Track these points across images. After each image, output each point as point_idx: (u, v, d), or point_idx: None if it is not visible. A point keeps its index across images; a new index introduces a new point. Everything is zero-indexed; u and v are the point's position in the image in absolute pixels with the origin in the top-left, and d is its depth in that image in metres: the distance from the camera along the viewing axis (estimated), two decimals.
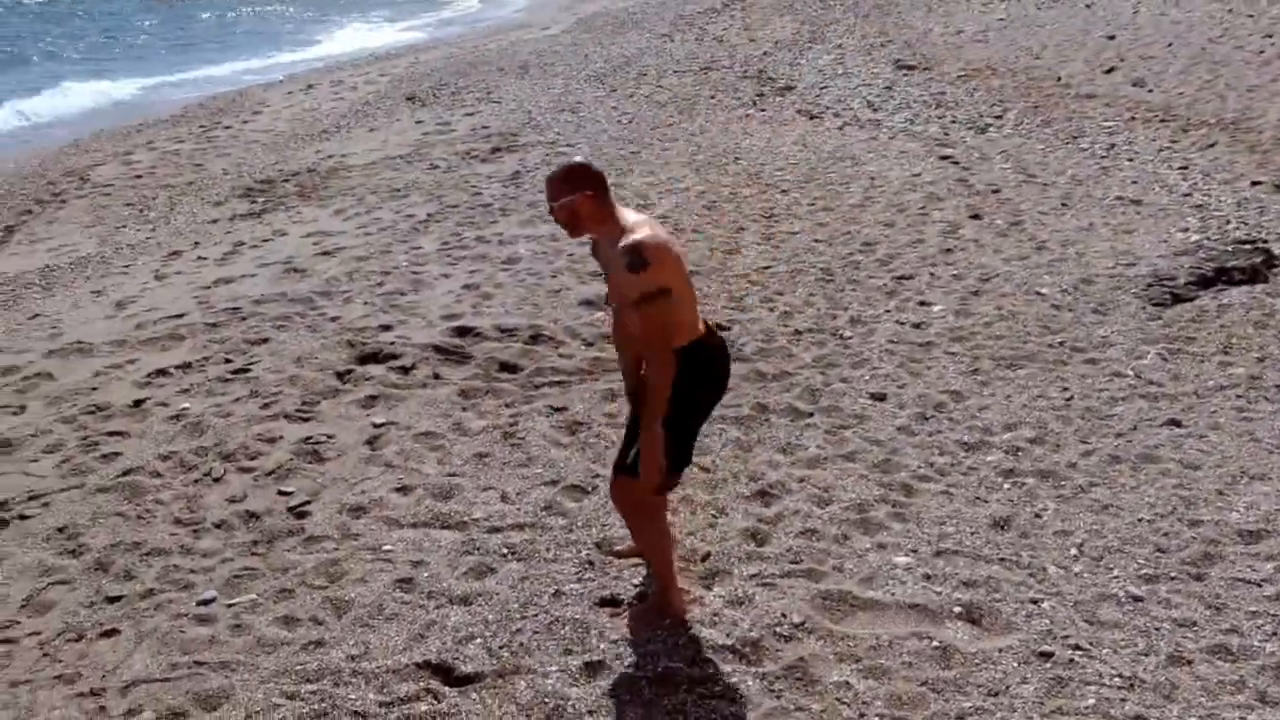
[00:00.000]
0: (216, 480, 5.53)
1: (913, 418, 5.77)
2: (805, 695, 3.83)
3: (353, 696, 3.95)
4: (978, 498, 5.04)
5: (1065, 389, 6.05)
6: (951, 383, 6.19)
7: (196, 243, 10.71)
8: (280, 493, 5.37)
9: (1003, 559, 4.57)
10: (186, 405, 6.37)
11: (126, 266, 10.17)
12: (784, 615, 4.21)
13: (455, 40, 26.07)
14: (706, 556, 4.65)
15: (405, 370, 6.67)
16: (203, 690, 4.02)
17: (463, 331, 7.09)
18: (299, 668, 4.10)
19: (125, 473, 5.64)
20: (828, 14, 20.99)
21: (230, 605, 4.51)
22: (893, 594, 4.35)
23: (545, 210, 9.91)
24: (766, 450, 5.49)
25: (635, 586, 4.46)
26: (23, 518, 5.31)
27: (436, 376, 6.51)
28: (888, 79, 14.94)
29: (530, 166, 11.92)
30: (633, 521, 4.24)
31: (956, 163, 10.85)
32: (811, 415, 5.83)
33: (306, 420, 6.09)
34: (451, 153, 13.31)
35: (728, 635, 4.12)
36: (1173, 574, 4.41)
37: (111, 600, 4.62)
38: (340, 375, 6.64)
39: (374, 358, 6.85)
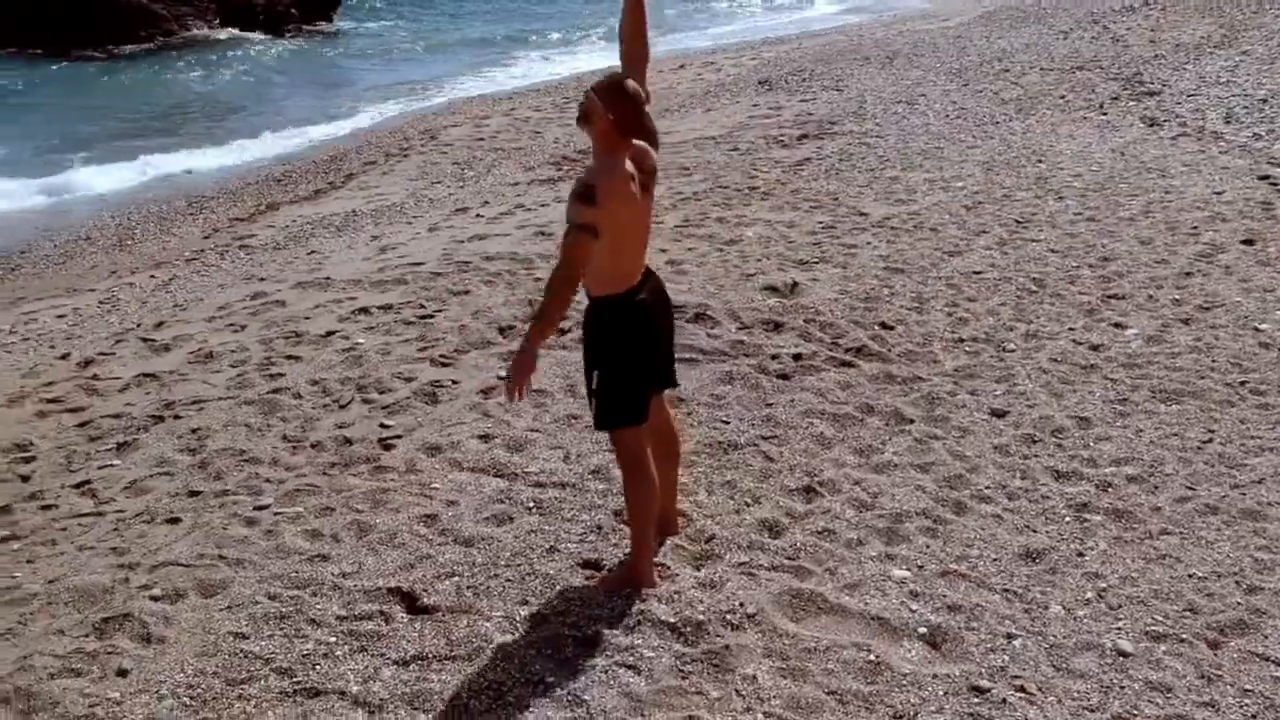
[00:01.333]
0: (342, 407, 6.02)
1: (1020, 439, 5.32)
2: (710, 681, 3.74)
3: (319, 607, 4.25)
4: (1027, 526, 4.61)
5: (1210, 431, 5.35)
6: (1088, 409, 5.63)
7: (486, 202, 11.52)
8: (382, 424, 5.78)
9: (1008, 590, 4.19)
10: (361, 340, 6.96)
11: (415, 218, 11.14)
12: (741, 605, 4.10)
13: (850, 28, 25.92)
14: (710, 539, 4.56)
15: (562, 332, 6.89)
16: (209, 579, 4.47)
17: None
18: (293, 574, 4.46)
19: (274, 391, 6.28)
20: (1256, 18, 18.97)
21: (277, 514, 4.95)
22: (865, 604, 4.11)
23: (801, 192, 10.06)
24: (841, 449, 5.27)
25: (626, 554, 4.43)
26: (176, 417, 6.06)
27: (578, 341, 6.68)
28: (1272, 90, 13.35)
29: (823, 155, 11.81)
30: (623, 476, 4.23)
31: (1276, 184, 9.60)
32: (912, 423, 5.50)
33: (446, 366, 6.48)
34: (759, 136, 13.42)
35: (676, 614, 4.07)
36: (1185, 636, 3.88)
37: (192, 494, 5.20)
38: (502, 330, 6.98)
39: None
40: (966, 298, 7.24)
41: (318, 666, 3.93)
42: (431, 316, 7.39)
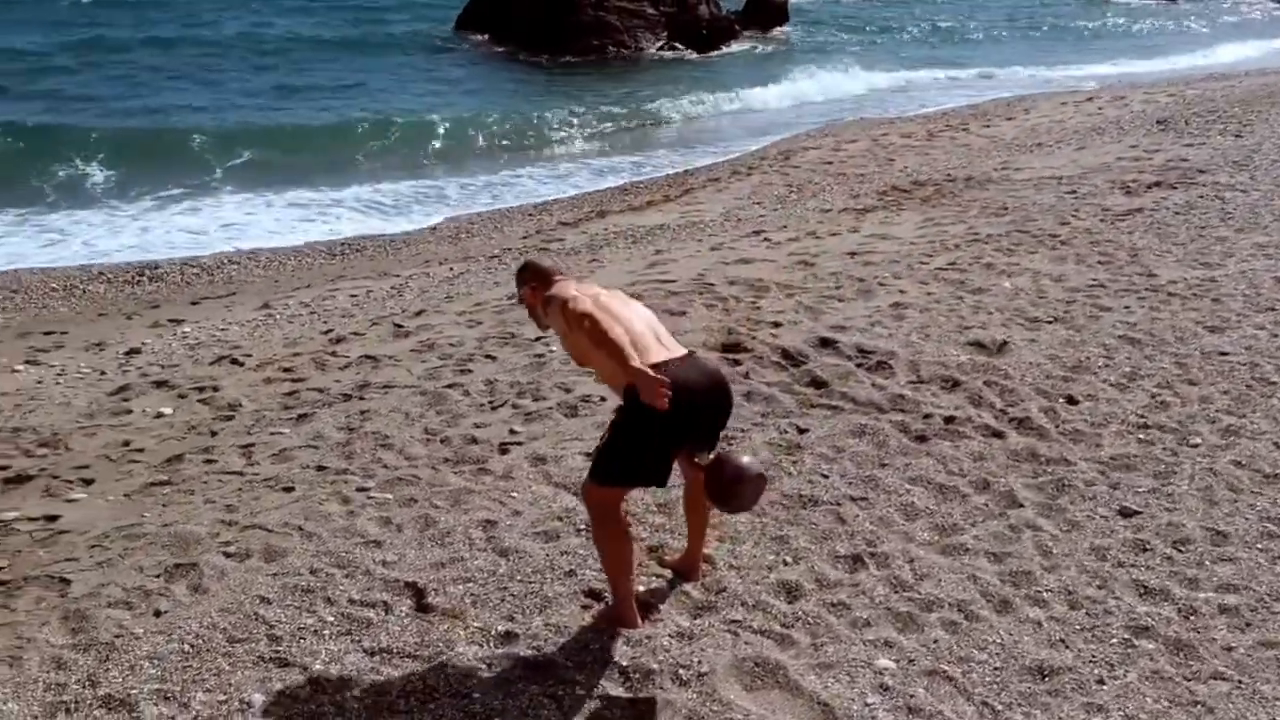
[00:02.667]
0: (493, 409, 6.42)
1: (1129, 544, 4.75)
2: None
3: (341, 588, 4.63)
4: (1062, 640, 4.15)
5: None
6: (1233, 525, 4.92)
7: (784, 226, 11.60)
8: (512, 430, 6.11)
9: (986, 703, 3.82)
10: (555, 349, 7.31)
11: (708, 236, 11.41)
12: (698, 663, 4.02)
13: None
14: (720, 591, 4.50)
15: (735, 362, 6.90)
16: (276, 546, 4.98)
17: (825, 343, 7.09)
18: (342, 554, 4.88)
19: (451, 386, 6.80)
20: None
21: (370, 498, 5.40)
22: (824, 688, 3.91)
23: (1100, 244, 9.29)
24: (922, 523, 4.96)
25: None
26: (361, 399, 6.75)
27: (745, 376, 6.67)
28: None
29: (1161, 206, 10.87)
30: (592, 526, 4.33)
31: None
32: (1021, 508, 5.06)
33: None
34: (1108, 181, 12.57)
35: (632, 659, 4.06)
36: None
37: (319, 469, 5.78)
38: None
39: (734, 348, 7.16)
40: (1186, 380, 6.45)
41: (302, 641, 4.27)
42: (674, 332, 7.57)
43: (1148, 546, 4.75)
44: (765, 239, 10.89)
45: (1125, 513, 5.00)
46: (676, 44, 31.99)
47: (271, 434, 6.33)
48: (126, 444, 6.40)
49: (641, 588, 4.53)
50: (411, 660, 4.15)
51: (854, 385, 6.43)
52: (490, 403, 6.50)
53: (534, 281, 4.34)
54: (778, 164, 16.52)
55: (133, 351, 8.66)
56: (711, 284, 8.78)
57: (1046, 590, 4.46)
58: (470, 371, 7.08)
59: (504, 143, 19.32)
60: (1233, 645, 4.12)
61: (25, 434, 6.69)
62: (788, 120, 21.21)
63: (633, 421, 4.04)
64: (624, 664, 4.05)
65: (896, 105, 22.86)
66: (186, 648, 4.27)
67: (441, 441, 6.02)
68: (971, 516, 5.02)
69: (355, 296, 10.16)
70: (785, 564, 4.69)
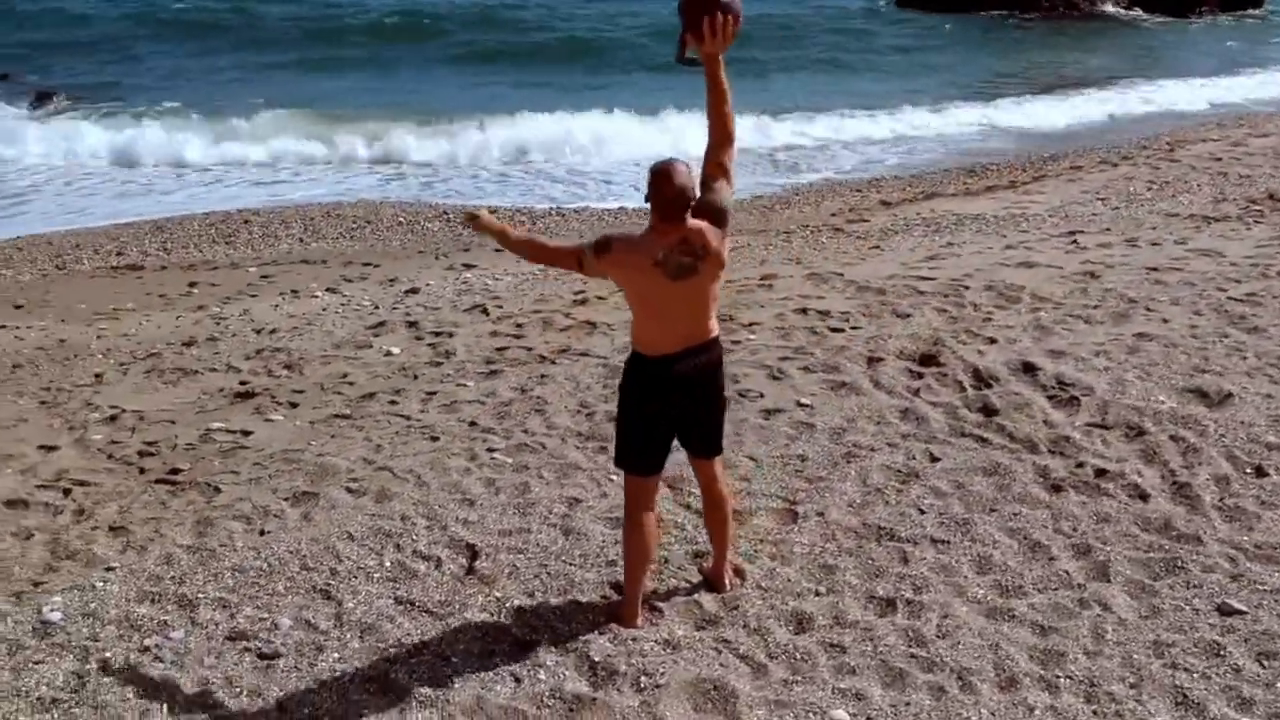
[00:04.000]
0: None
1: (1201, 646, 4.23)
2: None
3: (416, 537, 5.12)
4: None
5: None
6: None
7: (1105, 230, 10.78)
8: None
9: None
10: (752, 337, 7.42)
11: (1018, 232, 10.84)
12: (662, 674, 4.11)
13: None
14: (734, 609, 4.55)
15: (918, 375, 6.71)
16: (390, 489, 5.57)
17: (1027, 368, 6.70)
18: (437, 507, 5.36)
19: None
20: None
21: (494, 459, 5.86)
22: (754, 712, 3.90)
23: None
24: (986, 580, 4.68)
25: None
26: (553, 363, 7.19)
27: (915, 392, 6.47)
28: None
29: None
30: None
31: None
32: (1107, 582, 4.65)
33: (777, 380, 6.74)
34: None
35: (605, 657, 4.20)
36: None
37: (471, 424, 6.31)
38: (870, 360, 6.97)
39: (928, 360, 6.93)
40: None
41: (352, 580, 4.80)
42: (840, 330, 7.51)
43: (1222, 652, 4.19)
44: (1074, 242, 10.17)
45: (1224, 610, 4.42)
46: (1138, 7, 30.11)
47: (457, 385, 6.90)
48: (344, 376, 7.22)
49: (663, 588, 4.62)
50: (427, 616, 4.52)
51: (1021, 419, 6.03)
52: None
53: (651, 193, 3.97)
54: (1157, 155, 15.13)
55: (412, 290, 9.62)
56: (965, 287, 8.41)
57: (1069, 677, 4.08)
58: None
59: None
60: None
61: (279, 355, 7.72)
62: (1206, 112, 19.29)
63: (620, 402, 4.29)
64: (596, 659, 4.19)
65: None
66: (264, 566, 4.89)
67: (586, 416, 6.31)
68: (1044, 582, 4.64)
69: None
70: (816, 594, 4.60)
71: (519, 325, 8.11)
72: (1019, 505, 5.20)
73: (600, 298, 8.75)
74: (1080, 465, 5.55)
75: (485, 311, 8.60)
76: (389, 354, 7.67)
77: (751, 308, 8.23)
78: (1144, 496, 5.24)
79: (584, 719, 3.94)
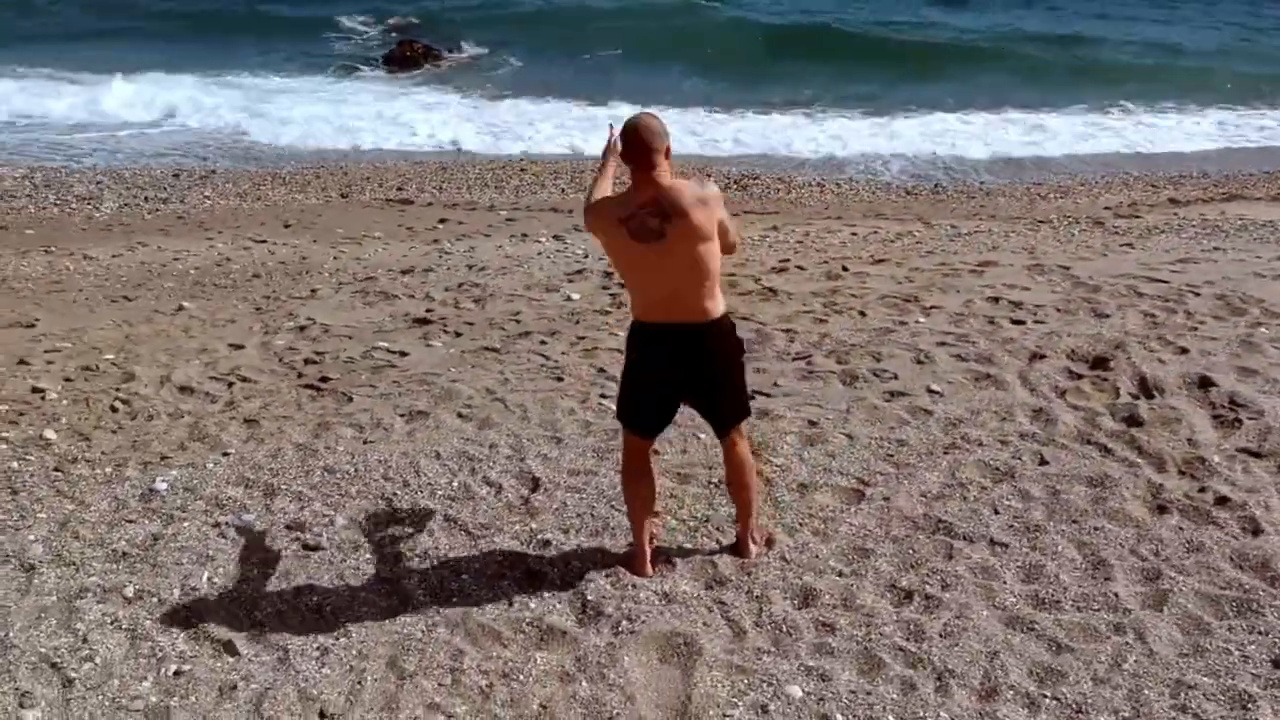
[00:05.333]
0: (798, 358, 6.63)
1: (1225, 693, 3.80)
2: (521, 646, 4.06)
3: (494, 464, 5.36)
4: None
5: None
6: None
7: None
8: (776, 383, 6.30)
9: None
10: (923, 320, 7.19)
11: (1277, 243, 9.76)
12: (643, 622, 4.12)
13: None
14: (749, 574, 4.50)
15: (1077, 375, 6.30)
16: (493, 419, 5.88)
17: (1204, 382, 6.11)
18: (525, 440, 5.60)
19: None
20: None
21: (603, 404, 6.04)
22: (713, 687, 3.82)
23: None
24: (1022, 588, 4.40)
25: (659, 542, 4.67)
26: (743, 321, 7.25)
27: (1062, 393, 6.09)
28: None
29: None
30: None
31: None
32: (1159, 612, 4.23)
33: (922, 364, 6.53)
34: None
35: (600, 597, 4.26)
36: None
37: (598, 371, 6.52)
38: (1033, 356, 6.60)
39: (1099, 364, 6.50)
40: None
41: (418, 495, 5.13)
42: (1021, 322, 7.16)
43: (1249, 705, 3.74)
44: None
45: (1279, 662, 3.94)
46: None
47: (610, 334, 7.10)
48: (515, 314, 7.60)
49: (692, 544, 4.66)
50: (464, 535, 4.78)
51: (1162, 435, 5.52)
52: (801, 354, 6.63)
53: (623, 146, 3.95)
54: None
55: None
56: (1195, 294, 7.72)
57: (1057, 699, 3.77)
58: (825, 322, 7.19)
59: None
60: None
61: (474, 290, 8.22)
62: None
63: (625, 362, 4.27)
64: (590, 599, 4.29)
65: None
66: (351, 470, 5.33)
67: None
68: (1087, 601, 4.28)
69: (865, 234, 10.40)
70: (838, 574, 4.47)
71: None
72: (1106, 521, 4.80)
73: (800, 268, 8.66)
74: (1202, 490, 5.03)
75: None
76: (568, 299, 7.96)
77: (946, 292, 7.91)
78: (1256, 531, 4.69)
79: (550, 649, 4.04)
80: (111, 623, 4.16)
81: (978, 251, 9.37)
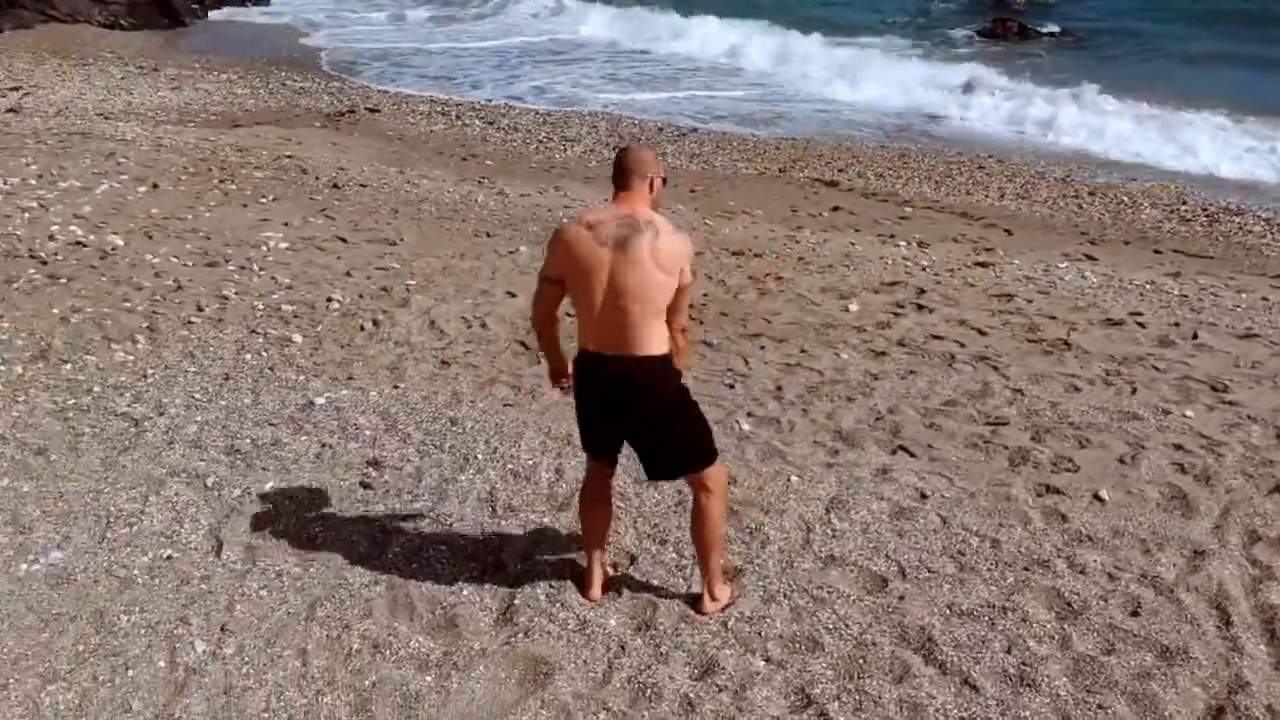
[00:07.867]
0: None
1: None
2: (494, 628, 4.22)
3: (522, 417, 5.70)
4: None
5: None
6: None
7: None
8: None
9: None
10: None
11: None
12: (532, 640, 4.12)
13: None
14: (675, 628, 4.38)
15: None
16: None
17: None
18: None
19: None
20: None
21: (741, 425, 5.93)
22: (541, 709, 3.84)
23: None
24: (1046, 615, 3.88)
25: (627, 565, 4.63)
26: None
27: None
28: None
29: None
30: None
31: None
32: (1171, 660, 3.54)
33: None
34: None
35: (527, 606, 4.29)
36: None
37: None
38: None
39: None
40: None
41: (494, 461, 5.42)
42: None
43: None
44: None
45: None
46: None
47: (836, 354, 6.90)
48: (777, 314, 7.56)
49: (673, 581, 4.54)
50: (488, 512, 5.01)
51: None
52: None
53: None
54: None
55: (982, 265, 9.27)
56: None
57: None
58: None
59: None
60: None
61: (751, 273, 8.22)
62: None
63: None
64: (516, 604, 4.31)
65: None
66: (453, 431, 5.74)
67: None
68: (1120, 639, 3.68)
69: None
70: (764, 661, 4.07)
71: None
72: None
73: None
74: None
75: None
76: (847, 310, 7.72)
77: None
78: None
79: (434, 638, 4.16)
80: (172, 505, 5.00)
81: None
